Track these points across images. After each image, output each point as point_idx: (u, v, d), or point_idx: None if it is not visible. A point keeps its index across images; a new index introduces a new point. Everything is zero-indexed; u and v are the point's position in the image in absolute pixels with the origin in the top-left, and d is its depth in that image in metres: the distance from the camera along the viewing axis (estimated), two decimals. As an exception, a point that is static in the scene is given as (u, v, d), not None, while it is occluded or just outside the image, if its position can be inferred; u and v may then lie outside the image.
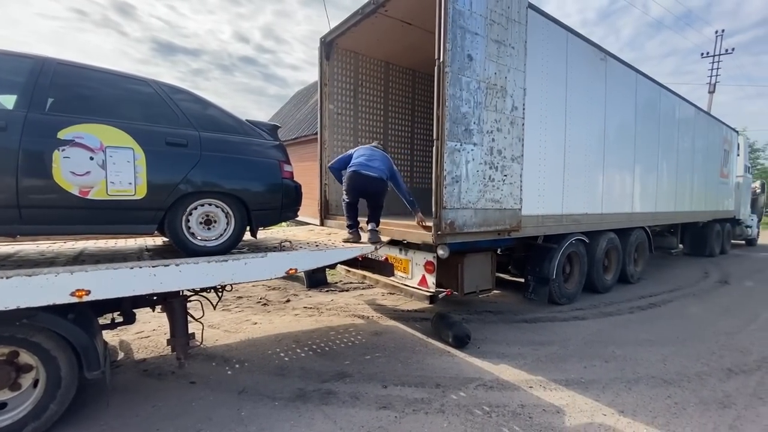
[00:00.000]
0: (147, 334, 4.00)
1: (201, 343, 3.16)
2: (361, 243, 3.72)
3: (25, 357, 2.26)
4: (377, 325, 4.45)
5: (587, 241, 5.67)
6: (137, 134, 2.57)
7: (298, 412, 2.61)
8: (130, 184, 2.53)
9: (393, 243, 4.48)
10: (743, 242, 13.50)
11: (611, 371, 3.40)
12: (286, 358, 3.48)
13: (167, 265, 2.39)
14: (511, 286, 6.08)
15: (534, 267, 5.22)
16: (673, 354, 3.82)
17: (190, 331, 2.84)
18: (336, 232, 4.71)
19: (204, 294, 3.21)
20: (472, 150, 3.77)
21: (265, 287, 6.09)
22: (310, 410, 2.65)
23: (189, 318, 2.88)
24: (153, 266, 2.34)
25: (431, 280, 4.02)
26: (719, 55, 21.65)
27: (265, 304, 5.26)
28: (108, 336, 3.59)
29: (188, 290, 2.91)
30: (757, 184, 14.49)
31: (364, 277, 4.92)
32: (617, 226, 6.25)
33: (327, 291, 6.04)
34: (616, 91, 5.92)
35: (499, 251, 5.08)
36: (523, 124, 4.26)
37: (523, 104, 4.25)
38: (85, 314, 2.42)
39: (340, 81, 5.83)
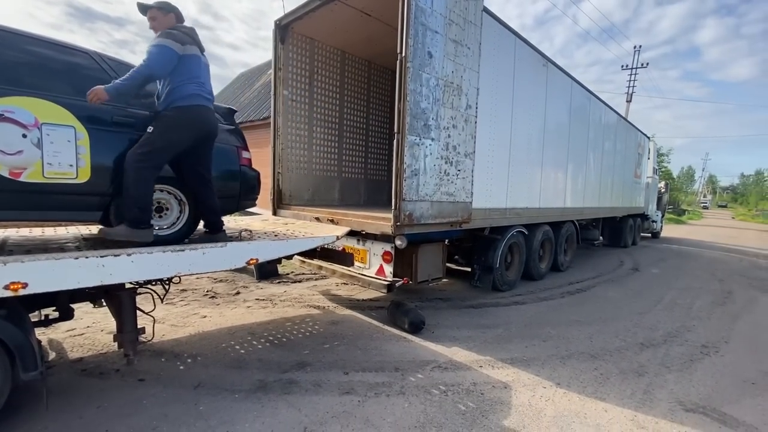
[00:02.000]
0: (80, 331, 3.65)
1: (152, 338, 2.97)
2: (322, 233, 3.71)
3: (-59, 360, 1.99)
4: (334, 314, 4.48)
5: (526, 233, 6.16)
6: (80, 111, 2.33)
7: (260, 403, 2.59)
8: (71, 166, 2.29)
9: (351, 233, 4.52)
10: (650, 235, 15.46)
11: (548, 349, 3.79)
12: (242, 351, 3.40)
13: (117, 255, 2.21)
14: (458, 274, 6.44)
15: (480, 256, 5.57)
16: (597, 332, 4.34)
17: (138, 326, 2.67)
18: (292, 222, 4.63)
19: (150, 287, 3.01)
20: (430, 145, 3.92)
21: (211, 279, 5.81)
22: (273, 400, 2.63)
23: (138, 312, 2.69)
24: (101, 256, 2.15)
25: (389, 269, 4.14)
26: (636, 68, 24.32)
27: (213, 296, 5.03)
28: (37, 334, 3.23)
29: (138, 282, 2.72)
30: (662, 184, 16.63)
31: (320, 267, 4.92)
32: (551, 219, 6.86)
33: (279, 282, 5.92)
34: (555, 94, 6.45)
35: (446, 242, 5.35)
36: (475, 122, 4.50)
37: (477, 103, 4.49)
38: (16, 310, 2.17)
39: (295, 66, 5.67)
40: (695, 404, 2.90)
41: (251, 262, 2.83)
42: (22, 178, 2.14)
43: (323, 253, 4.37)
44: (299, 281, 6.03)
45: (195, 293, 5.16)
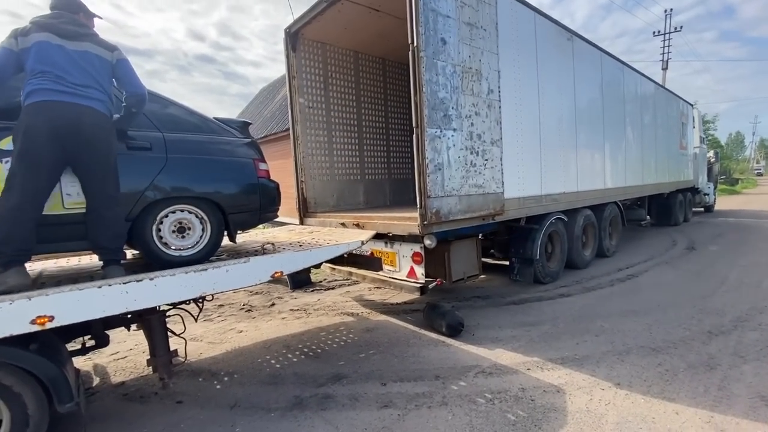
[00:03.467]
0: (123, 354, 3.73)
1: (185, 359, 2.97)
2: (347, 239, 3.59)
3: (-18, 396, 2.02)
4: (368, 321, 4.36)
5: (566, 220, 5.77)
6: (92, 139, 2.32)
7: (297, 421, 2.49)
8: (90, 194, 2.28)
9: (378, 236, 4.37)
10: (702, 209, 14.27)
11: (602, 345, 3.46)
12: (278, 365, 3.33)
13: (140, 280, 2.18)
14: (496, 269, 6.13)
15: (518, 249, 5.26)
16: (657, 322, 3.94)
17: (171, 348, 2.65)
18: (318, 230, 4.56)
19: (183, 306, 3.00)
20: (452, 136, 3.70)
21: (247, 293, 5.86)
22: (309, 417, 2.53)
23: (169, 334, 2.68)
24: (124, 283, 2.13)
25: (420, 271, 3.96)
26: (669, 33, 22.64)
27: (249, 310, 5.05)
28: (80, 362, 3.32)
29: (166, 305, 2.70)
30: (711, 153, 15.34)
31: (351, 273, 4.81)
32: (592, 202, 6.41)
33: (312, 291, 5.88)
34: (584, 70, 6.02)
35: (480, 236, 5.09)
36: (499, 107, 4.23)
37: (499, 87, 4.22)
38: (51, 342, 2.19)
39: (309, 73, 5.61)
40: (786, 400, 2.52)
41: (276, 275, 2.75)
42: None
43: (351, 258, 4.25)
44: (332, 288, 5.96)
45: (232, 308, 5.21)
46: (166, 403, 2.80)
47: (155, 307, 2.52)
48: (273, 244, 3.24)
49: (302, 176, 5.55)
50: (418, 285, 3.89)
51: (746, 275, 5.57)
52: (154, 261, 2.56)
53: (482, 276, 5.48)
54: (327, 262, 3.89)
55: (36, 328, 1.90)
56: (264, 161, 3.22)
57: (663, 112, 9.50)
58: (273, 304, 5.26)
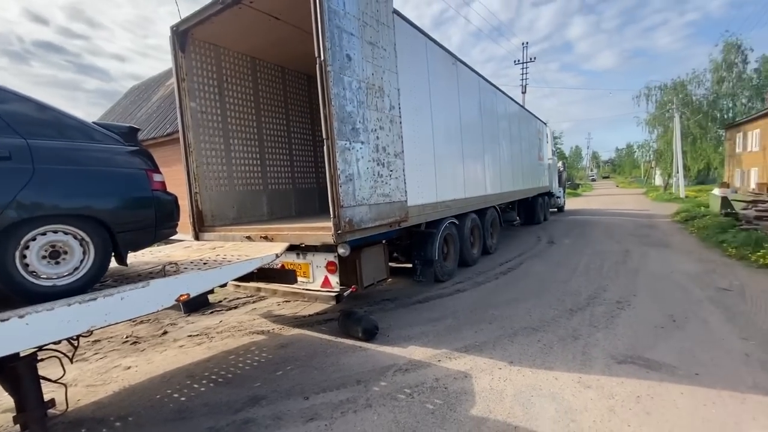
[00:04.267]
0: (-42, 419, 2.90)
1: (66, 409, 2.46)
2: (259, 253, 3.44)
3: None
4: (281, 337, 4.21)
5: (457, 223, 6.46)
6: None
7: (216, 454, 2.30)
8: None
9: (290, 248, 4.28)
10: (556, 210, 17.35)
11: (495, 330, 4.00)
12: (183, 398, 3.00)
13: (5, 319, 1.78)
14: (400, 272, 6.50)
15: (419, 251, 5.69)
16: (533, 306, 4.70)
17: (46, 398, 2.19)
18: (221, 245, 4.24)
19: (51, 346, 2.49)
20: (360, 148, 3.87)
21: (129, 323, 5.07)
22: (230, 447, 2.36)
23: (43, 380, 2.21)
24: (-20, 325, 1.71)
25: (334, 279, 4.01)
26: (526, 62, 27.08)
27: (134, 342, 4.39)
28: None
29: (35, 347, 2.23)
30: (560, 164, 18.77)
31: (259, 289, 4.59)
32: (477, 207, 7.29)
33: (211, 313, 5.40)
34: (466, 91, 6.85)
35: (384, 242, 5.36)
36: (400, 122, 4.57)
37: (399, 104, 4.55)
38: None
39: (201, 76, 5.20)
40: (624, 356, 3.28)
41: (182, 298, 2.50)
42: None
43: (261, 273, 4.06)
44: (235, 307, 5.56)
45: (112, 342, 4.46)
46: (37, 468, 2.28)
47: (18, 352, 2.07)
48: (176, 263, 2.92)
49: (196, 187, 5.09)
50: (334, 293, 3.93)
51: (592, 261, 7.00)
52: (17, 295, 2.09)
53: (389, 279, 5.76)
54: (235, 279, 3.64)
55: None
56: (159, 172, 2.90)
57: (525, 129, 11.34)
58: (165, 333, 4.68)
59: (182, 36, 4.90)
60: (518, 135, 10.43)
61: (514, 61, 27.32)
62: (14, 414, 2.09)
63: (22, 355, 2.11)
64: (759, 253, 6.39)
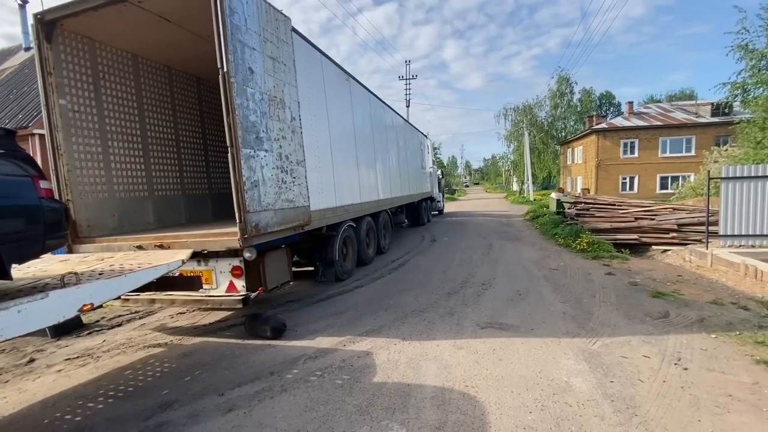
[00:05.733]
0: None
1: None
2: (160, 260, 3.39)
3: None
4: (182, 347, 4.12)
5: (355, 226, 7.04)
6: None
7: (133, 457, 2.33)
8: None
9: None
10: (437, 212, 19.52)
11: (390, 316, 4.64)
12: (78, 418, 2.82)
13: None
14: (301, 275, 6.75)
15: (321, 253, 6.07)
16: (420, 293, 5.53)
17: None
18: (109, 256, 3.94)
19: None
20: (264, 156, 4.10)
21: (-27, 356, 4.25)
22: (147, 449, 2.41)
23: None
24: None
25: (240, 284, 4.11)
26: (409, 79, 29.64)
27: (-10, 375, 3.76)
28: None
29: None
30: (440, 172, 21.16)
31: (153, 301, 4.37)
32: (371, 210, 8.00)
33: (88, 334, 4.85)
34: (358, 105, 7.51)
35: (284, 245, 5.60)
36: (301, 132, 4.91)
37: (300, 115, 4.89)
38: None
39: (73, 71, 4.69)
40: (485, 322, 4.24)
41: (85, 308, 2.44)
42: None
43: (160, 282, 3.91)
44: (119, 325, 5.09)
45: (-49, 381, 3.71)
46: None
47: None
48: (76, 273, 2.73)
49: (68, 194, 4.57)
50: (241, 297, 4.04)
51: (464, 254, 8.34)
52: None
53: (292, 282, 5.99)
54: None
55: None
56: (44, 178, 2.72)
57: (410, 141, 12.66)
58: (32, 360, 4.09)
59: (49, 26, 4.38)
60: (404, 146, 11.61)
61: (399, 77, 29.67)
62: None
63: None
64: (576, 242, 8.53)
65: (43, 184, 2.67)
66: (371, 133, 8.24)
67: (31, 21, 4.37)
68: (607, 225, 9.76)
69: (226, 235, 3.90)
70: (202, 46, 5.59)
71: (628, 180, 25.32)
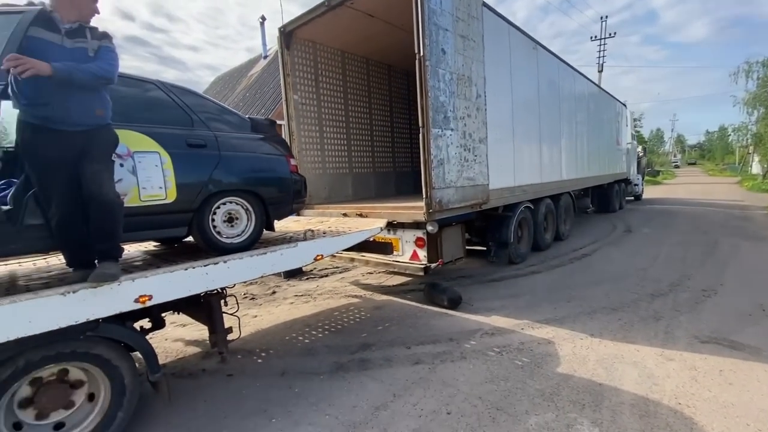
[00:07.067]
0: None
1: (239, 335, 3.23)
2: (364, 226, 4.01)
3: (76, 372, 2.23)
4: (374, 301, 4.83)
5: (532, 208, 6.60)
6: (160, 138, 2.57)
7: (346, 380, 2.93)
8: (161, 188, 2.53)
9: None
10: (633, 198, 16.28)
11: (574, 308, 4.24)
12: (307, 340, 3.71)
13: (217, 263, 2.49)
14: (472, 253, 6.83)
15: (494, 234, 5.98)
16: (612, 289, 4.83)
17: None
18: (325, 219, 4.91)
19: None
20: (450, 135, 4.25)
21: (242, 285, 6.04)
22: (355, 376, 2.98)
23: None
24: (204, 265, 2.43)
25: (422, 253, 4.49)
26: (604, 38, 25.04)
27: (252, 298, 5.29)
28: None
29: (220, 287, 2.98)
30: (640, 148, 17.47)
31: (352, 259, 5.24)
32: (552, 192, 7.33)
33: (306, 279, 6.21)
34: (545, 75, 6.84)
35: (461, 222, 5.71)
36: (485, 109, 4.85)
37: (485, 91, 4.83)
38: (132, 322, 2.44)
39: (301, 71, 5.87)
40: (708, 336, 3.39)
41: (318, 257, 3.13)
42: (124, 204, 2.36)
43: (361, 245, 4.67)
44: (326, 276, 6.33)
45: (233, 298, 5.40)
46: (217, 378, 3.09)
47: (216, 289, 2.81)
48: (312, 230, 3.59)
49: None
50: (422, 266, 4.42)
51: (674, 251, 6.77)
52: (210, 248, 2.83)
53: (464, 259, 6.14)
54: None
55: (138, 306, 2.17)
56: (293, 156, 3.56)
57: (604, 112, 10.83)
58: (274, 292, 5.54)
59: (288, 36, 5.58)
60: (596, 118, 10.03)
61: (591, 38, 25.41)
62: (184, 342, 2.85)
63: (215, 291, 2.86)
64: None
65: (292, 161, 3.50)
66: (557, 104, 7.43)
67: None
68: None
69: (413, 209, 4.27)
70: (395, 35, 6.11)
71: None
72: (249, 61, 19.70)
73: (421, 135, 4.02)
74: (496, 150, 5.23)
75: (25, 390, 2.05)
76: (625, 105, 13.87)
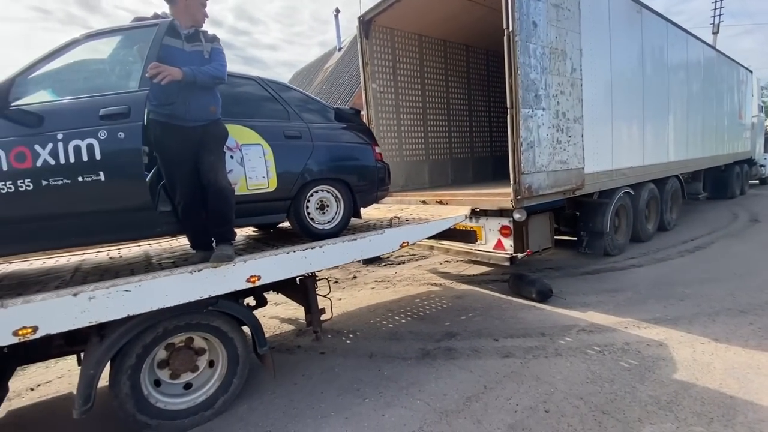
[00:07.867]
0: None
1: (331, 316, 3.43)
2: (447, 214, 3.93)
3: (199, 341, 2.53)
4: (454, 290, 4.75)
5: (632, 194, 5.90)
6: (262, 131, 2.75)
7: (434, 367, 2.92)
8: (264, 177, 2.72)
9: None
10: (757, 182, 13.75)
11: (689, 308, 3.71)
12: (391, 325, 3.79)
13: (313, 248, 2.63)
14: (560, 243, 6.35)
15: (587, 222, 5.47)
16: (738, 288, 4.13)
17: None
18: (405, 208, 4.92)
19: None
20: (541, 115, 3.94)
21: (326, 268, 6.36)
22: (443, 364, 2.96)
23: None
24: (303, 249, 2.58)
25: (508, 243, 4.28)
26: (722, -7, 21.14)
27: (335, 282, 5.54)
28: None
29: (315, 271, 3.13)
30: (767, 123, 14.60)
31: (431, 247, 5.19)
32: (656, 176, 6.47)
33: (384, 265, 6.33)
34: (650, 42, 5.99)
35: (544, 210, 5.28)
36: (581, 85, 4.41)
37: (581, 65, 4.38)
38: (243, 299, 2.69)
39: (379, 59, 5.88)
40: None
41: (404, 244, 3.15)
42: (235, 193, 2.59)
43: (442, 233, 4.60)
44: (403, 263, 6.39)
45: (318, 282, 5.71)
46: (312, 354, 3.30)
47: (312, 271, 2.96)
48: (398, 218, 3.64)
49: (375, 158, 5.90)
50: (508, 256, 4.22)
51: (821, 245, 5.58)
52: (305, 234, 2.98)
53: (551, 250, 5.73)
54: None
55: (249, 285, 2.38)
56: (377, 145, 3.59)
57: (723, 80, 9.20)
58: (355, 277, 5.74)
59: (367, 24, 5.61)
60: (713, 88, 8.57)
61: (704, -7, 21.55)
62: (279, 320, 3.04)
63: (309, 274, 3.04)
64: None
65: (377, 149, 3.53)
66: (665, 75, 6.47)
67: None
68: None
69: (499, 195, 4.07)
70: (475, 12, 5.81)
71: None
72: (324, 54, 20.38)
73: (509, 116, 3.78)
74: (593, 130, 4.73)
75: (161, 353, 2.39)
76: (750, 71, 11.64)
